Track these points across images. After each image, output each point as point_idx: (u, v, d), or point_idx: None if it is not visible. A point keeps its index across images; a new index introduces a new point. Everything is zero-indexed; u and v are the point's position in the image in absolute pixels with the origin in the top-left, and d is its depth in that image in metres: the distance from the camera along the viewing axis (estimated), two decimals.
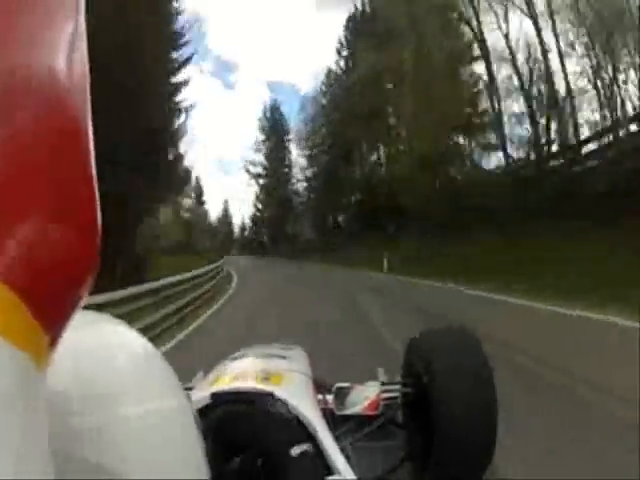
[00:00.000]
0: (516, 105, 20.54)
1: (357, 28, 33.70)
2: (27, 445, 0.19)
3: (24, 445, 0.19)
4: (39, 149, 0.21)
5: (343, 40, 36.56)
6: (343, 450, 0.74)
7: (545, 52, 18.65)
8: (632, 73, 15.92)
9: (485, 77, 21.44)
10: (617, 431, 2.60)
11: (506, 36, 19.80)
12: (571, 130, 18.18)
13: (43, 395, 0.21)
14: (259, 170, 46.44)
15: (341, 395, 1.17)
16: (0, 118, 0.19)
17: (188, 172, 18.78)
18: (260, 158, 46.19)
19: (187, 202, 43.10)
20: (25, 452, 0.19)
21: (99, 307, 4.36)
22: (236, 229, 62.15)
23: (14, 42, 0.21)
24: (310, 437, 0.70)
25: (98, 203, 0.24)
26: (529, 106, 19.56)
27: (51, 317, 0.21)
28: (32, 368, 0.20)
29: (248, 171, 46.55)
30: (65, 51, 0.23)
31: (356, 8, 34.72)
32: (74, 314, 0.23)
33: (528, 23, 18.87)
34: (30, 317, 0.20)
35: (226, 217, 61.72)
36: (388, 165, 29.53)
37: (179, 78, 15.55)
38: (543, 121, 19.42)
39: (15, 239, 0.20)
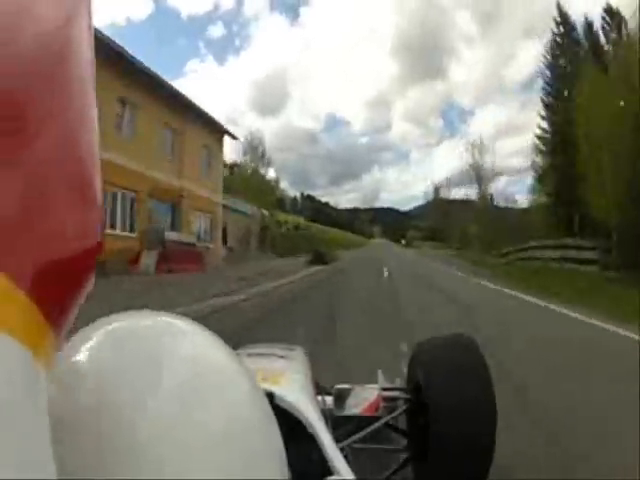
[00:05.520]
0: None
1: None
2: (30, 445, 0.19)
3: (27, 445, 0.19)
4: (48, 162, 0.22)
5: None
6: (342, 451, 0.74)
7: None
8: None
9: None
10: None
11: None
12: None
13: (45, 394, 0.21)
14: None
15: (341, 396, 1.17)
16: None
17: None
18: None
19: None
20: (27, 452, 0.19)
21: None
22: None
23: None
24: (310, 438, 0.70)
25: (103, 212, 0.26)
26: None
27: (59, 319, 0.23)
28: (39, 368, 0.21)
29: None
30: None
31: None
32: (74, 315, 0.25)
33: None
34: (41, 320, 0.21)
35: None
36: None
37: None
38: None
39: (28, 248, 0.21)
